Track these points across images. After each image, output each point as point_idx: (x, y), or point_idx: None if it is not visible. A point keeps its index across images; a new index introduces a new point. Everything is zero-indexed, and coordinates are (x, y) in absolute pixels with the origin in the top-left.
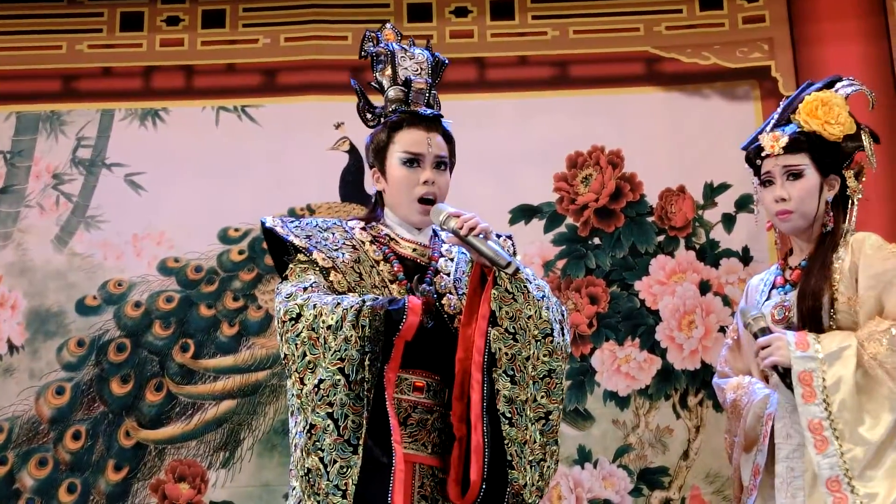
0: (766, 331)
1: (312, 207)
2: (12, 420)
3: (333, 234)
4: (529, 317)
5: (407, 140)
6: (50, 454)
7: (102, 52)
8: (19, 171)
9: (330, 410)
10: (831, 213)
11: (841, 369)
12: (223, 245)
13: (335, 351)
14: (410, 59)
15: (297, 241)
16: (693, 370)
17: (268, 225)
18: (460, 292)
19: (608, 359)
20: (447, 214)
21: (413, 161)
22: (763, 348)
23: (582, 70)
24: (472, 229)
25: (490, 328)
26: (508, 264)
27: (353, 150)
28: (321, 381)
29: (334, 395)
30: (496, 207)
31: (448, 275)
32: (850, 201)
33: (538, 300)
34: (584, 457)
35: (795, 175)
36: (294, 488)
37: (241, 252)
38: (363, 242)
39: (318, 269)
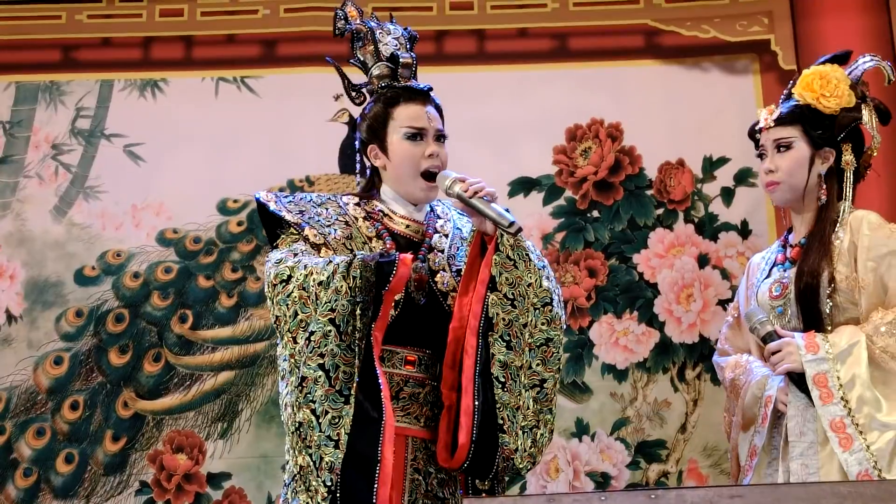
0: (773, 335)
1: (311, 179)
2: (10, 390)
3: (327, 209)
4: (529, 284)
5: (407, 115)
6: (48, 424)
7: (102, 23)
8: (18, 142)
9: (321, 361)
10: (825, 186)
11: (854, 366)
12: (222, 216)
13: (326, 302)
14: (388, 34)
15: (288, 217)
16: (691, 343)
17: (261, 200)
18: (454, 269)
19: (606, 332)
20: (453, 179)
21: (417, 135)
22: (773, 353)
23: (581, 42)
24: (476, 192)
25: (488, 293)
26: (511, 224)
27: (352, 122)
28: (312, 332)
29: (325, 346)
30: (495, 180)
31: (442, 252)
32: (843, 174)
33: (539, 269)
34: (581, 429)
35: (785, 147)
36: (288, 462)
37: (239, 223)
38: (356, 219)
39: (308, 244)
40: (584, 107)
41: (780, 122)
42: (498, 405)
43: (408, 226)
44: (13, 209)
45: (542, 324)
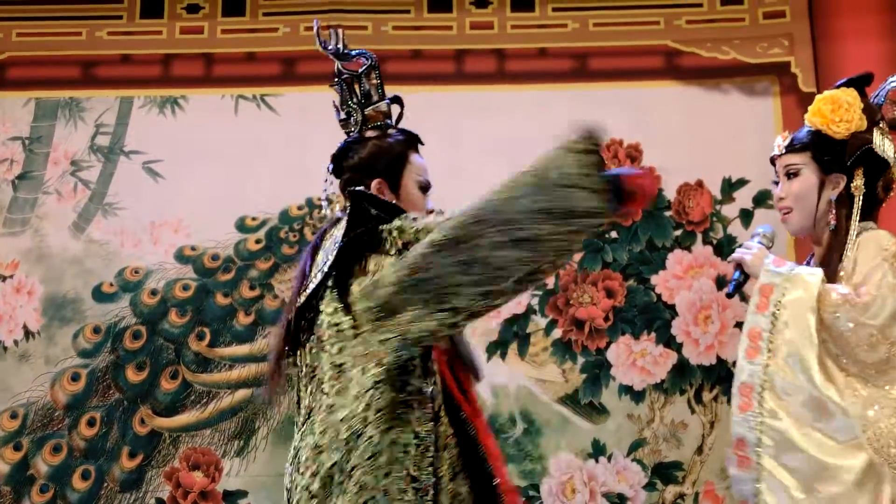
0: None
1: (330, 198)
2: (27, 406)
3: None
4: None
5: (420, 165)
6: (64, 440)
7: (122, 39)
8: (38, 158)
9: None
10: (833, 212)
11: (801, 295)
12: (240, 234)
13: None
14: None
15: None
16: (708, 365)
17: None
18: None
19: (624, 353)
20: None
21: (426, 188)
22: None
23: (601, 63)
24: None
25: None
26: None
27: None
28: None
29: None
30: None
31: None
32: (854, 200)
33: None
34: (598, 450)
35: (793, 174)
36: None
37: (258, 241)
38: None
39: None
40: (603, 127)
41: (790, 149)
42: None
43: None
44: (32, 225)
45: None
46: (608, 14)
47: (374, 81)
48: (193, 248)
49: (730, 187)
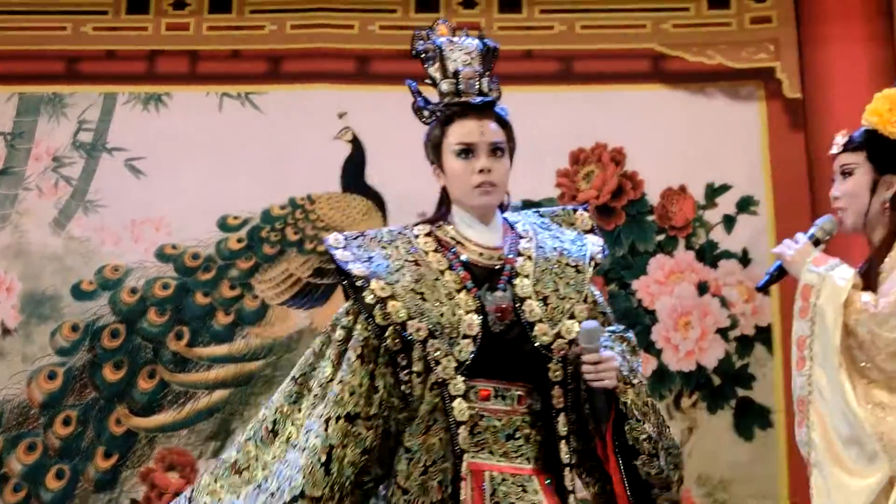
0: (816, 241)
1: (313, 198)
2: (2, 404)
3: (397, 247)
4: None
5: (458, 132)
6: (39, 439)
7: (107, 35)
8: (19, 153)
9: None
10: (888, 215)
11: (829, 302)
12: (222, 233)
13: None
14: (459, 49)
15: (355, 270)
16: (688, 372)
17: (330, 244)
18: (541, 297)
19: None
20: (596, 346)
21: (467, 152)
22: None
23: (587, 66)
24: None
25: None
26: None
27: (355, 141)
28: None
29: None
30: None
31: (527, 277)
32: None
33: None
34: None
35: (847, 173)
36: None
37: (239, 240)
38: (426, 253)
39: (368, 321)
40: (587, 130)
41: (847, 147)
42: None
43: (481, 254)
44: (12, 221)
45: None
46: (595, 17)
47: (437, 65)
48: (174, 247)
49: (713, 193)
